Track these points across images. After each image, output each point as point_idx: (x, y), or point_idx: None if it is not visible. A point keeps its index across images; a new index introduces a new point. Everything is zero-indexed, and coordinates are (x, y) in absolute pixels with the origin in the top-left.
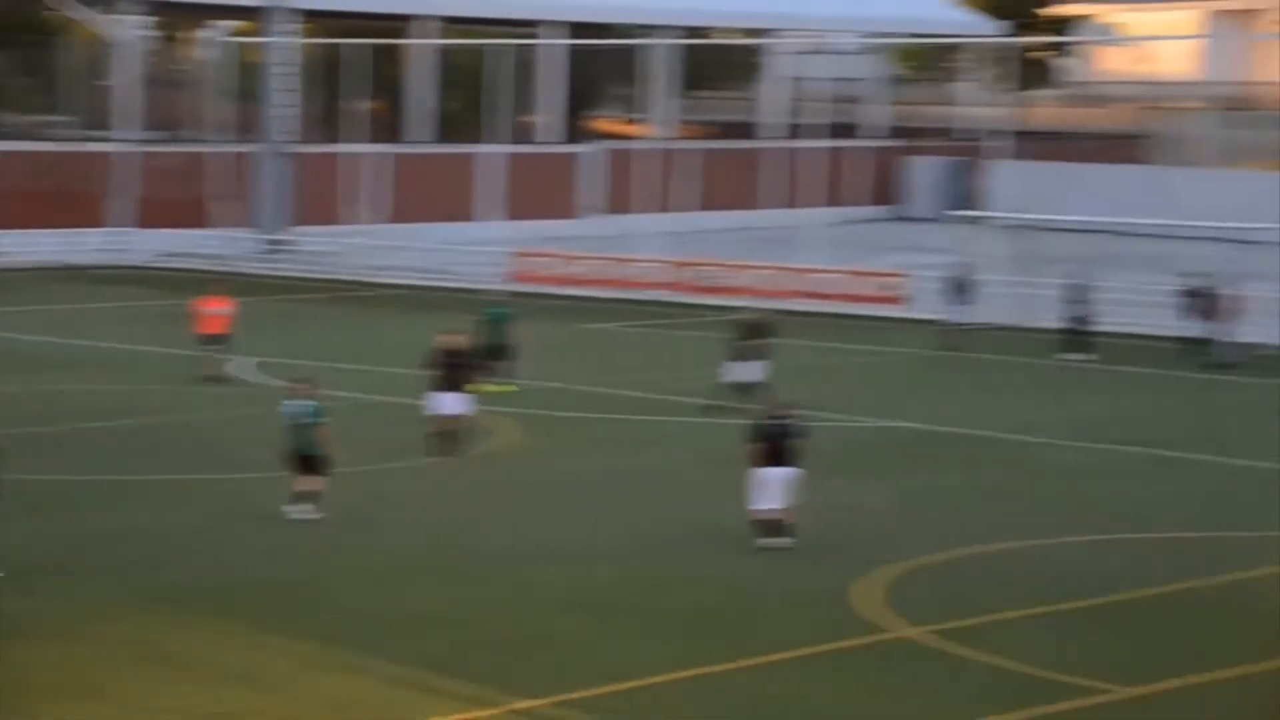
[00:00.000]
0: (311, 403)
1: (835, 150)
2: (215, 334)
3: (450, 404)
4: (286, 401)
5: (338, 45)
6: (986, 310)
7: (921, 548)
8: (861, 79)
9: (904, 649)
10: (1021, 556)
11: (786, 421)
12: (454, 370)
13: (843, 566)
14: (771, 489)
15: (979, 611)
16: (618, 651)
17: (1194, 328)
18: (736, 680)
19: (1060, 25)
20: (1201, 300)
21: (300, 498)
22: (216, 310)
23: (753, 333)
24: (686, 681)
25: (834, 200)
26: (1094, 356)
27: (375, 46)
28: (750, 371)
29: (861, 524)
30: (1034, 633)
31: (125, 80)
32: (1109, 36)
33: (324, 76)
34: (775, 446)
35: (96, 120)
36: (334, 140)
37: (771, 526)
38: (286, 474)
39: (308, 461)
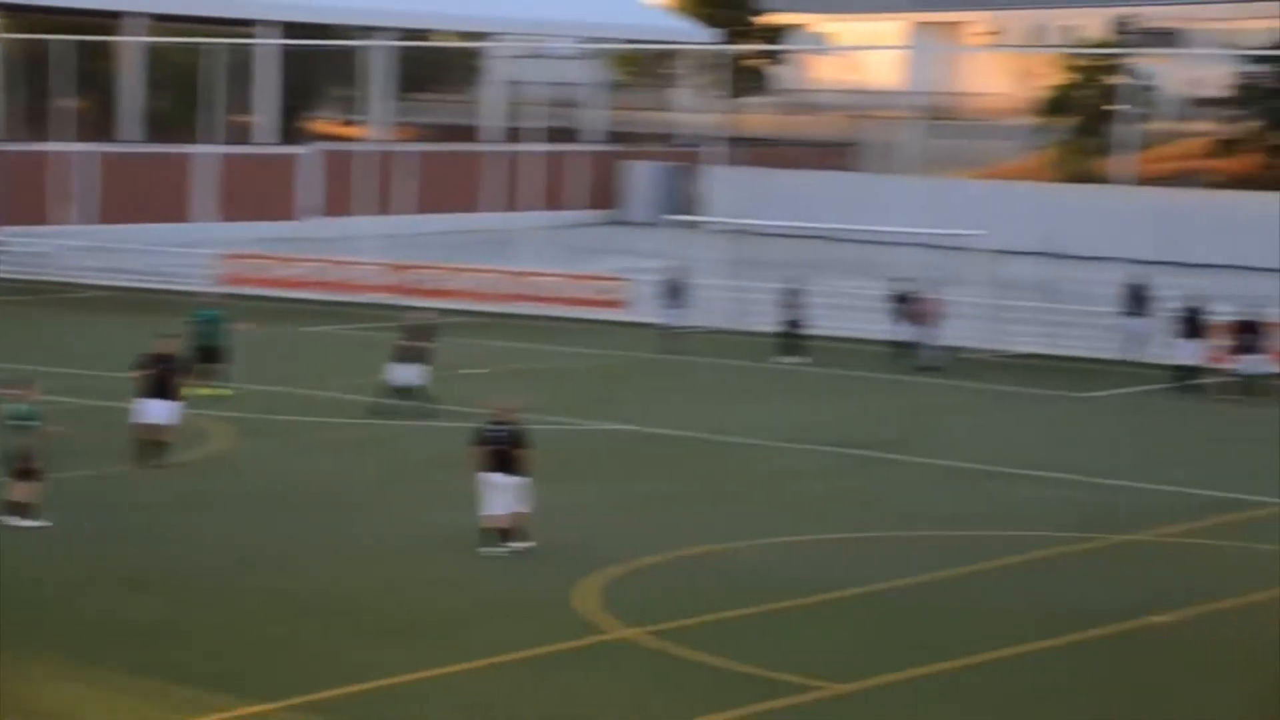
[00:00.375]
0: (28, 406)
1: (554, 154)
2: None
3: (157, 410)
4: (3, 405)
5: (43, 41)
6: (703, 314)
7: (641, 550)
8: (579, 84)
9: (621, 650)
10: (739, 557)
11: (509, 427)
12: (164, 375)
13: (565, 569)
14: (499, 495)
15: (696, 612)
16: (351, 655)
17: (902, 331)
18: (458, 682)
19: (773, 34)
20: (908, 305)
21: (16, 508)
22: None
23: (414, 336)
24: (415, 684)
25: (553, 204)
26: (808, 359)
27: (82, 43)
28: (409, 375)
29: (582, 526)
30: (750, 632)
31: None
32: (819, 45)
33: (29, 73)
34: (499, 452)
35: None
36: (42, 138)
37: (500, 533)
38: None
39: (24, 468)
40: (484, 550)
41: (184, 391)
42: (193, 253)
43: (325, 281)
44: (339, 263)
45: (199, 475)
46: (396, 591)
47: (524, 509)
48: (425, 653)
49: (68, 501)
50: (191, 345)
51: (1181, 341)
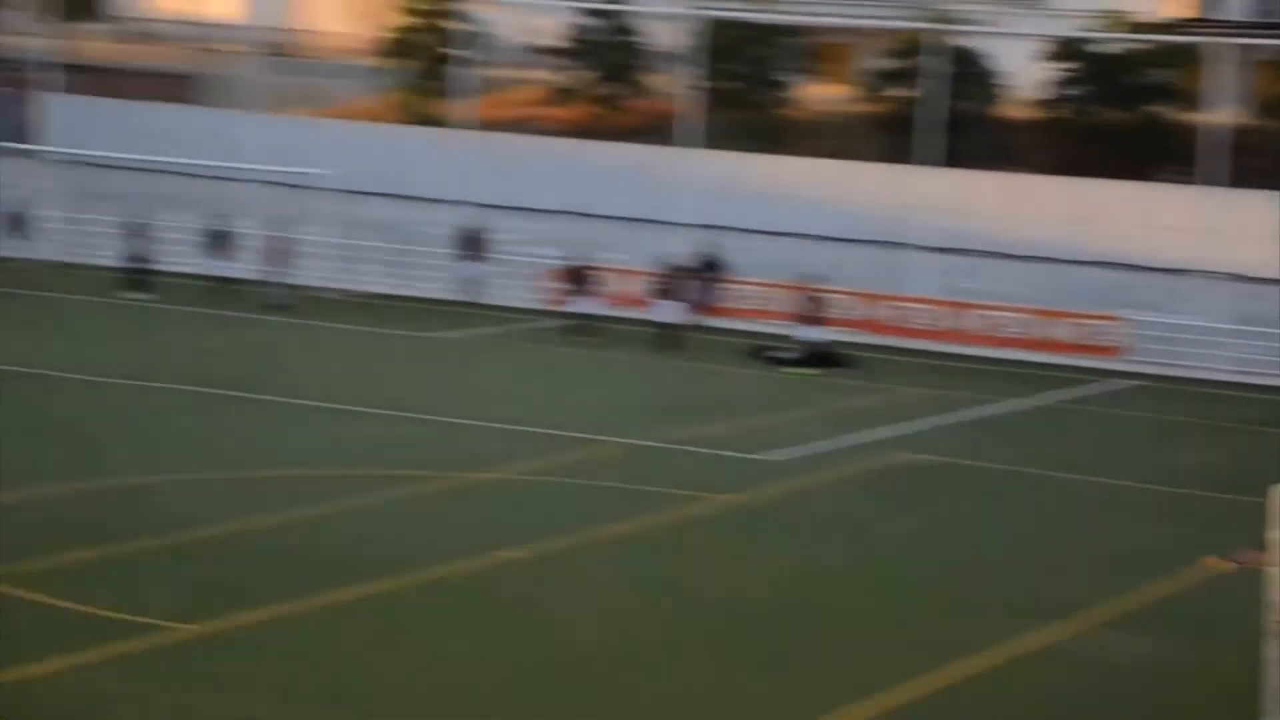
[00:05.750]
0: None
1: None
2: None
3: None
4: None
5: None
6: (43, 247)
7: None
8: None
9: None
10: (91, 497)
11: None
12: None
13: None
14: None
15: (45, 554)
16: None
17: (239, 269)
18: None
19: None
20: (261, 243)
21: None
22: None
23: None
24: None
25: None
26: (154, 295)
27: None
28: None
29: None
30: (105, 574)
31: None
32: None
33: None
34: None
35: None
36: None
37: None
38: None
39: None
40: None
41: None
42: None
43: None
44: None
45: None
46: None
47: None
48: None
49: None
50: None
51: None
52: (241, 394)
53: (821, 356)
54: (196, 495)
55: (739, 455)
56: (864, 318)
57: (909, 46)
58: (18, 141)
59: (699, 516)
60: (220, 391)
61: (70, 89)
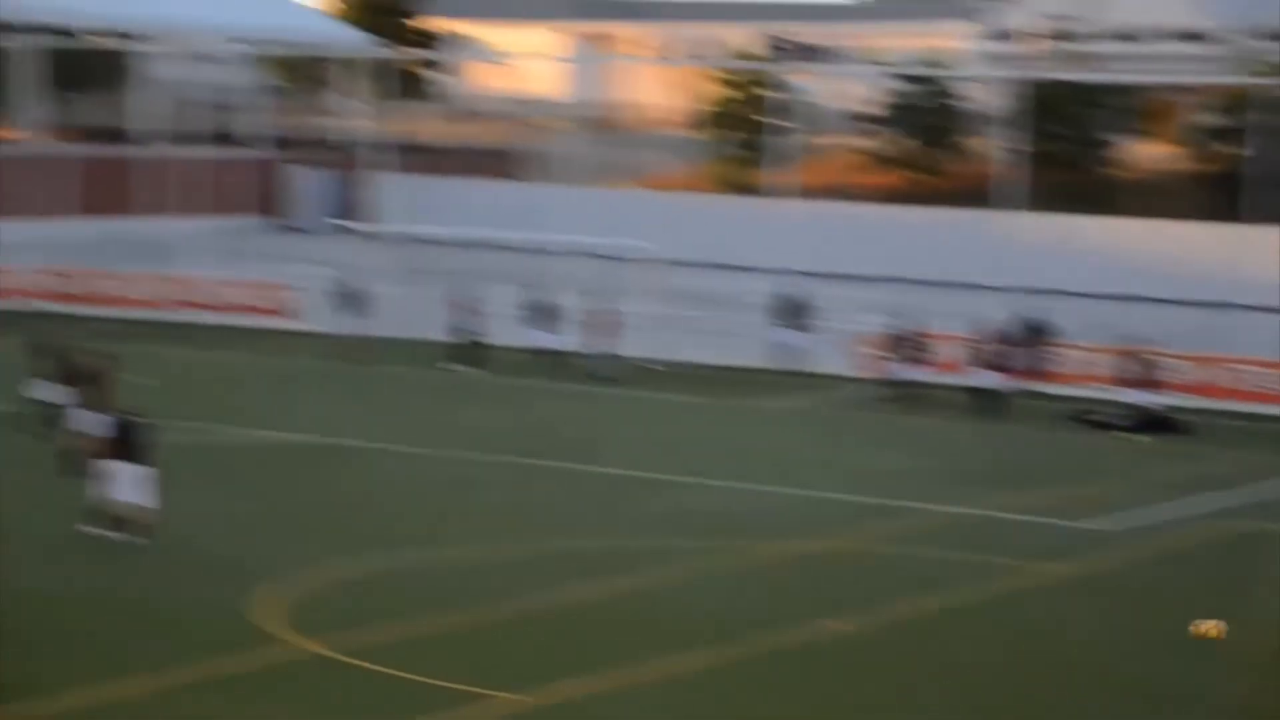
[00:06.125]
0: None
1: (214, 159)
2: None
3: None
4: None
5: None
6: (376, 323)
7: (321, 560)
8: (239, 87)
9: (306, 665)
10: (423, 568)
11: (132, 418)
12: None
13: (236, 579)
14: (121, 481)
15: (380, 623)
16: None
17: (567, 342)
18: (133, 706)
19: (431, 39)
20: (586, 316)
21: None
22: None
23: (50, 353)
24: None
25: (214, 209)
26: (482, 369)
27: None
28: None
29: (261, 536)
30: (439, 644)
31: None
32: (482, 53)
33: None
34: (121, 442)
35: None
36: None
37: (119, 521)
38: None
39: None
40: (87, 528)
41: None
42: None
43: None
44: None
45: None
46: (39, 603)
47: (146, 502)
48: (90, 669)
49: None
50: None
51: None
52: (569, 464)
53: (1153, 421)
54: (525, 567)
55: (1068, 524)
56: (1195, 381)
57: (1237, 102)
58: (349, 220)
59: (1031, 587)
60: (547, 463)
61: (400, 168)
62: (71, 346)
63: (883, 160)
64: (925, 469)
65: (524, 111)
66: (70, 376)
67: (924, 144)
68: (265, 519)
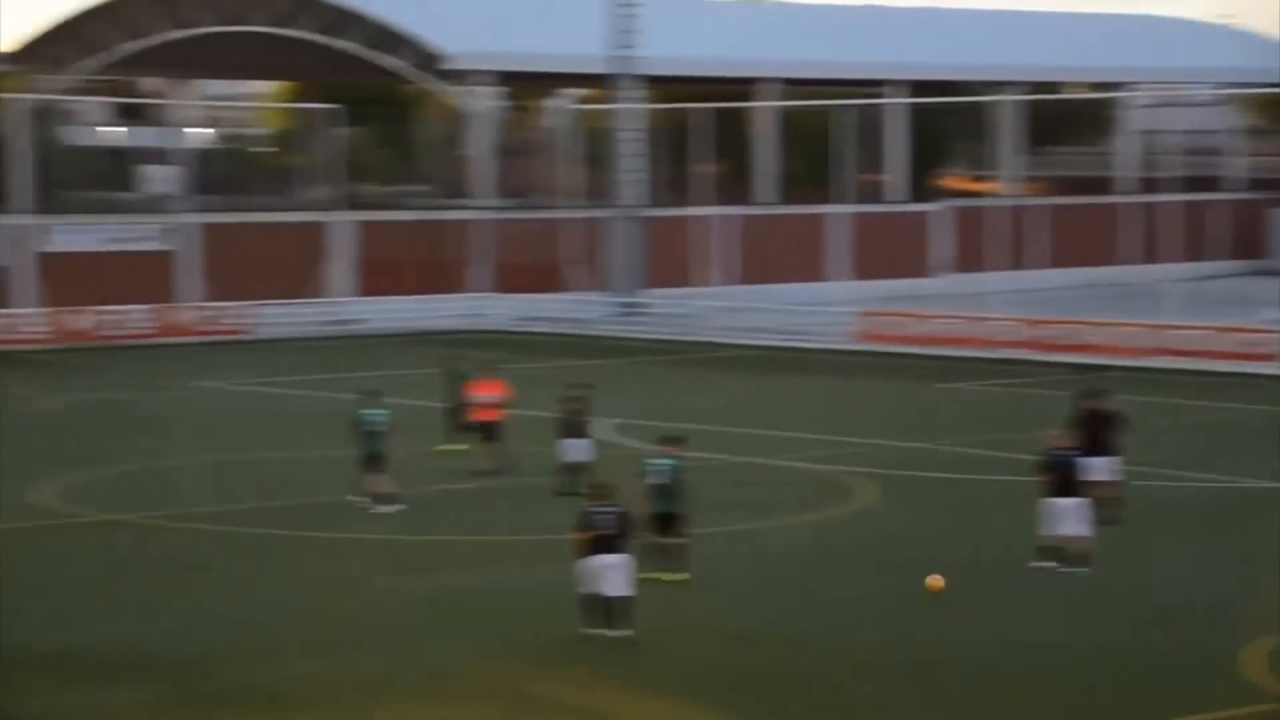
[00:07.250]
0: (673, 461)
1: (1192, 203)
2: (486, 422)
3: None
4: (650, 461)
5: (684, 109)
6: None
7: None
8: (1216, 130)
9: None
10: None
11: (1071, 452)
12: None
13: (1230, 632)
14: (1065, 517)
15: None
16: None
17: None
18: None
19: None
20: None
21: (662, 551)
22: (488, 397)
23: (575, 406)
24: None
25: (1192, 254)
26: None
27: (719, 110)
28: (578, 450)
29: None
30: None
31: (480, 150)
32: None
33: (670, 141)
34: (1063, 477)
35: (454, 189)
36: (682, 203)
37: (1057, 552)
38: (647, 534)
39: (668, 520)
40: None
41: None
42: (828, 311)
43: (958, 338)
44: (972, 319)
45: (838, 531)
46: (1007, 652)
47: (1085, 532)
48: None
49: (706, 554)
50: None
51: None
52: None
53: None
54: None
55: None
56: None
57: None
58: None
59: None
60: None
61: None
62: (1082, 394)
63: None
64: None
65: None
66: (1082, 422)
67: None
68: (1248, 570)
